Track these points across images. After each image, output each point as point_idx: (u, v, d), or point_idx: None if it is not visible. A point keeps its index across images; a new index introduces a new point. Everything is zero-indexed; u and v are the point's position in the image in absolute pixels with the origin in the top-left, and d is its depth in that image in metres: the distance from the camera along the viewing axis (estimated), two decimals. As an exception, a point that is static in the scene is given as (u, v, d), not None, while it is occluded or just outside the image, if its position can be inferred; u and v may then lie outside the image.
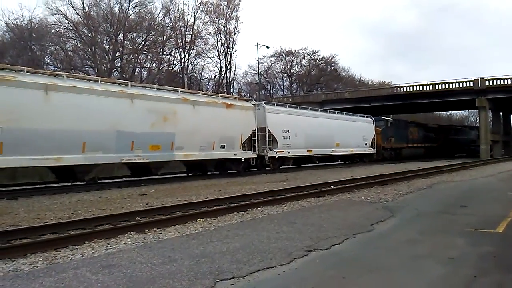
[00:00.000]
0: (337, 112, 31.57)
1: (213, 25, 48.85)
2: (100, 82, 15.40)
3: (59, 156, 13.43)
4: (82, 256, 5.61)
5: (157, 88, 17.71)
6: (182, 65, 46.09)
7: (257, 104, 22.34)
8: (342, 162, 31.02)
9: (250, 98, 23.99)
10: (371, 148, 32.70)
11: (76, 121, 13.89)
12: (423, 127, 48.47)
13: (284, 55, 63.29)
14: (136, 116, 15.70)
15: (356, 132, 30.82)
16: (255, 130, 21.35)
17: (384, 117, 39.27)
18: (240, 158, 20.44)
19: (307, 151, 25.21)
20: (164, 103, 16.89)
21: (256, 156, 21.52)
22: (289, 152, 23.62)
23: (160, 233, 7.01)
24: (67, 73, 16.60)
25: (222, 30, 49.40)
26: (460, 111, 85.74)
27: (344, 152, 29.49)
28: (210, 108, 18.89)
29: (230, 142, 19.84)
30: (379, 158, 34.27)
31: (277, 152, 22.64)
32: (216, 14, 48.76)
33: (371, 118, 33.75)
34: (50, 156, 13.22)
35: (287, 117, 24.22)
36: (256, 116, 21.46)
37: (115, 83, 16.80)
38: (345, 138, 29.09)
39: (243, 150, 20.67)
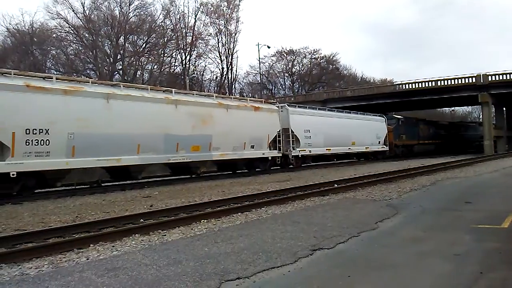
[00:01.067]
0: (352, 112, 32.52)
1: (213, 26, 49.01)
2: (150, 90, 17.28)
3: (119, 157, 15.05)
4: (88, 259, 5.62)
5: (195, 94, 19.75)
6: (184, 66, 46.21)
7: (280, 106, 23.83)
8: (355, 159, 32.23)
9: (274, 101, 25.89)
10: (384, 146, 33.97)
11: (132, 126, 15.45)
12: (434, 124, 49.77)
13: (285, 54, 63.33)
14: (179, 120, 17.31)
15: (370, 131, 32.12)
16: (279, 130, 22.83)
17: (396, 116, 40.56)
18: (268, 157, 22.06)
19: (326, 149, 26.63)
20: (202, 108, 18.47)
21: (281, 155, 23.02)
22: (310, 151, 25.04)
23: (165, 235, 7.01)
24: (123, 83, 18.52)
25: (223, 30, 49.54)
26: (463, 107, 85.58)
27: (359, 150, 30.63)
28: (240, 111, 20.53)
29: (259, 142, 21.36)
30: (392, 155, 35.39)
31: (299, 151, 24.08)
32: (216, 15, 48.87)
33: (383, 117, 34.94)
34: (112, 157, 14.86)
35: (308, 117, 25.70)
36: (280, 118, 22.98)
37: (160, 90, 18.45)
38: (360, 136, 30.39)
39: (270, 150, 22.22)
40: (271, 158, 22.36)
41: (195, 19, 47.08)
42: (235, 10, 50.04)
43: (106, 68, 40.05)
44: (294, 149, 23.69)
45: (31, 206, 11.56)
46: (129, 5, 41.81)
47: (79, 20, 39.87)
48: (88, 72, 39.97)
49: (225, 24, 49.44)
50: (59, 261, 5.58)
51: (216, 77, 51.37)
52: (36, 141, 12.86)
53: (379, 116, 34.76)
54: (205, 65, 51.52)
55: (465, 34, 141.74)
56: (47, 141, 13.10)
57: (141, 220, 8.36)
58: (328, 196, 11.33)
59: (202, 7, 47.38)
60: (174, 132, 17.01)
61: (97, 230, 7.54)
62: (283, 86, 65.61)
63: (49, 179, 13.88)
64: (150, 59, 43.56)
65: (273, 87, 65.23)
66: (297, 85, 65.52)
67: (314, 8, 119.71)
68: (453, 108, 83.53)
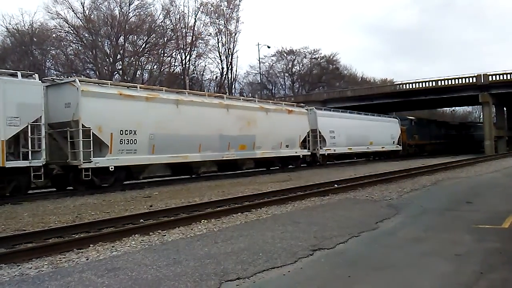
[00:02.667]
0: (370, 114, 34.61)
1: (213, 26, 48.97)
2: (208, 96, 20.34)
3: (186, 154, 17.49)
4: (87, 259, 5.61)
5: (242, 99, 22.85)
6: (183, 66, 46.19)
7: (309, 109, 26.37)
8: (371, 158, 34.23)
9: (303, 104, 28.33)
10: (398, 145, 36.38)
11: (195, 128, 17.74)
12: (444, 124, 52.80)
13: (285, 54, 63.35)
14: (230, 122, 19.67)
15: (385, 131, 34.80)
16: (308, 131, 25.29)
17: (409, 117, 43.13)
18: (299, 155, 24.56)
19: (348, 149, 29.15)
20: (247, 111, 20.98)
21: (310, 153, 25.41)
22: (334, 150, 27.55)
23: (165, 235, 7.00)
24: (187, 90, 21.51)
25: (223, 30, 49.51)
26: (463, 107, 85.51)
27: (376, 149, 33.08)
28: (277, 114, 23.00)
29: (292, 142, 23.79)
30: (405, 154, 37.55)
31: (325, 150, 26.63)
32: (216, 15, 48.87)
33: (397, 118, 37.99)
34: (181, 155, 17.26)
35: (332, 119, 28.25)
36: (309, 120, 25.46)
37: (212, 95, 21.48)
38: (377, 137, 32.96)
39: (301, 149, 24.64)
40: (302, 156, 24.82)
41: (195, 19, 47.11)
42: (235, 10, 50.10)
43: (106, 68, 40.04)
44: (321, 148, 26.07)
45: (31, 206, 11.55)
46: (129, 5, 41.83)
47: (79, 20, 39.90)
48: (88, 72, 39.97)
49: (225, 24, 49.48)
50: (59, 261, 5.57)
51: (216, 77, 51.41)
52: (127, 140, 15.30)
53: (393, 117, 38.07)
54: (205, 65, 51.58)
55: (466, 34, 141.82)
56: (135, 140, 15.53)
57: (141, 220, 8.35)
58: (328, 196, 11.32)
59: (202, 7, 47.41)
60: (226, 133, 19.33)
61: (97, 230, 7.53)
62: (283, 86, 65.69)
63: (134, 172, 16.30)
64: (150, 59, 43.59)
65: (273, 87, 65.28)
66: (297, 85, 65.53)
67: (314, 8, 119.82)
68: (453, 108, 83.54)
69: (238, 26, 50.81)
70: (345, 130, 28.68)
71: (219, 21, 49.10)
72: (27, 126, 12.69)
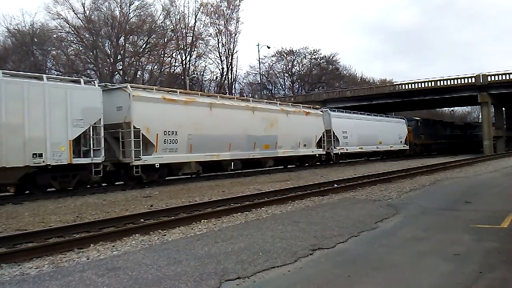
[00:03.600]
0: (379, 115, 36.22)
1: (213, 27, 48.98)
2: (236, 99, 22.40)
3: (218, 153, 19.06)
4: (88, 259, 5.63)
5: (265, 102, 24.62)
6: (184, 66, 46.19)
7: (324, 111, 27.98)
8: (380, 157, 35.59)
9: (318, 107, 29.86)
10: (405, 145, 37.86)
11: (226, 128, 19.29)
12: (450, 125, 54.67)
13: (285, 54, 63.33)
14: (255, 124, 21.34)
15: (393, 131, 36.36)
16: (323, 132, 26.86)
17: (415, 118, 44.79)
18: (315, 154, 26.32)
19: (359, 148, 30.70)
20: (270, 113, 22.63)
21: (324, 152, 26.95)
22: (347, 149, 29.11)
23: (165, 235, 7.02)
24: (219, 94, 23.87)
25: (223, 31, 49.52)
26: (462, 107, 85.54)
27: (385, 148, 34.60)
28: (296, 116, 24.70)
29: (309, 142, 25.51)
30: (412, 153, 39.10)
31: (339, 149, 28.17)
32: (216, 15, 48.89)
33: (404, 119, 39.48)
34: (214, 153, 18.81)
35: (345, 120, 29.81)
36: (324, 121, 27.06)
37: (241, 99, 23.58)
38: (386, 136, 34.53)
39: (316, 148, 26.30)
40: (318, 155, 26.55)
41: (195, 19, 47.12)
42: (235, 10, 50.11)
43: (106, 68, 40.06)
44: (335, 148, 27.71)
45: (32, 206, 11.57)
46: (129, 5, 41.86)
47: (80, 20, 39.92)
48: (89, 72, 39.97)
49: (225, 25, 49.48)
50: (60, 261, 5.59)
51: (216, 77, 51.44)
52: (169, 140, 16.81)
53: (400, 118, 39.75)
54: (205, 65, 51.56)
55: (465, 35, 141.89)
56: (176, 140, 17.02)
57: (142, 220, 8.37)
58: (328, 196, 11.34)
59: (202, 7, 47.41)
60: (252, 133, 20.99)
61: (98, 230, 7.55)
62: (283, 86, 65.67)
63: (174, 169, 17.70)
64: (150, 59, 43.58)
65: (273, 87, 65.27)
66: (297, 85, 65.52)
67: (314, 8, 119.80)
68: (452, 108, 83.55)
69: (238, 27, 50.89)
70: (357, 130, 30.19)
71: (219, 21, 49.18)
72: (89, 127, 14.26)
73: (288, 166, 25.26)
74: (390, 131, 35.63)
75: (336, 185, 13.56)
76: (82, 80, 15.07)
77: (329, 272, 4.85)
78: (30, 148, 12.80)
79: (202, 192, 13.61)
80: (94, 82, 15.53)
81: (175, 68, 46.87)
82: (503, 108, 51.63)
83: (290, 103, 27.75)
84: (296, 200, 10.64)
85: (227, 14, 49.43)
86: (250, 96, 52.15)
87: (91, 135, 14.29)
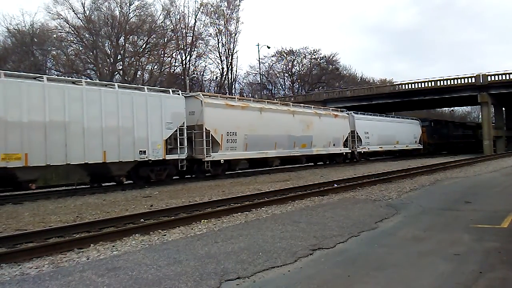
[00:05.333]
0: (396, 116, 40.21)
1: (213, 26, 48.88)
2: (280, 104, 25.62)
3: (266, 151, 22.06)
4: (88, 259, 5.63)
5: (302, 106, 27.17)
6: (184, 66, 46.11)
7: (349, 113, 30.93)
8: (397, 155, 37.83)
9: (344, 109, 32.43)
10: (419, 144, 40.95)
11: (272, 130, 22.31)
12: (462, 125, 57.23)
13: (285, 54, 63.18)
14: (295, 125, 24.37)
15: (408, 132, 39.30)
16: (349, 132, 29.77)
17: (429, 119, 48.81)
18: (342, 153, 29.27)
19: (379, 147, 33.57)
20: (306, 116, 25.72)
21: (350, 151, 29.79)
22: (368, 148, 31.95)
23: (165, 235, 7.03)
24: (267, 99, 27.26)
25: (223, 31, 49.42)
26: (462, 107, 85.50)
27: (402, 147, 37.32)
28: (327, 118, 27.78)
29: (337, 141, 28.46)
30: (425, 152, 41.80)
31: (362, 148, 30.99)
32: (216, 15, 48.76)
33: (419, 120, 42.46)
34: (263, 151, 21.83)
35: (367, 122, 32.57)
36: (349, 122, 30.04)
37: (283, 103, 26.54)
38: (402, 136, 37.43)
39: (343, 147, 29.21)
40: (345, 153, 29.38)
41: (195, 19, 47.00)
42: (235, 10, 49.96)
43: (106, 68, 39.98)
44: (358, 147, 30.50)
45: (32, 206, 11.58)
46: (129, 5, 41.70)
47: (80, 20, 39.80)
48: (89, 72, 39.91)
49: (225, 25, 49.37)
50: (60, 261, 5.59)
51: (216, 77, 51.31)
52: (231, 140, 19.83)
53: (415, 119, 42.66)
54: (205, 65, 51.46)
55: (465, 35, 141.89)
56: (235, 139, 20.07)
57: (142, 220, 8.38)
58: (328, 196, 11.34)
59: (202, 7, 47.31)
60: (293, 134, 23.95)
61: (98, 230, 7.56)
62: (283, 86, 65.51)
63: (232, 164, 20.64)
64: (150, 59, 43.47)
65: (273, 87, 65.12)
66: (297, 85, 65.44)
67: (314, 8, 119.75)
68: (452, 108, 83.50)
69: (238, 27, 50.68)
70: (377, 131, 33.01)
71: (219, 21, 49.03)
72: (177, 129, 17.22)
73: (318, 163, 27.75)
74: (406, 131, 38.55)
75: (336, 185, 13.56)
76: (170, 90, 17.92)
77: (329, 272, 4.85)
78: (137, 146, 15.82)
79: (202, 192, 13.62)
80: (179, 91, 18.46)
81: (175, 68, 46.79)
82: (503, 108, 51.60)
83: (322, 107, 30.59)
84: (296, 200, 10.64)
85: (227, 14, 49.35)
86: (250, 96, 52.15)
87: (178, 135, 17.23)
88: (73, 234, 7.29)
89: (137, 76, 41.96)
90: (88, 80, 17.62)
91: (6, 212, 10.62)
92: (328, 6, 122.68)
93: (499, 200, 10.02)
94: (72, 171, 16.81)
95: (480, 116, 59.10)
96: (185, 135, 17.48)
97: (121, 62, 41.23)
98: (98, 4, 40.36)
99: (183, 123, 17.49)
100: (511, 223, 7.16)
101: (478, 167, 21.38)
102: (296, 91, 62.82)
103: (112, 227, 7.86)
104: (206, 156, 18.28)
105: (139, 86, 19.35)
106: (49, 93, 13.45)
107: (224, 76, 50.69)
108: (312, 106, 28.80)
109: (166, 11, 44.71)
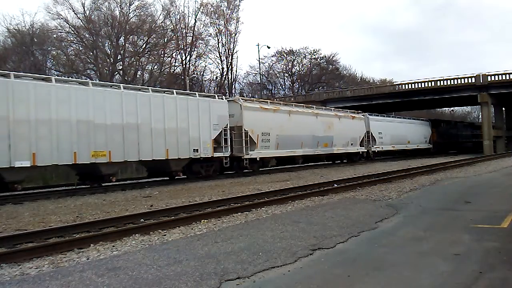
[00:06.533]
0: (407, 118, 42.21)
1: (213, 27, 48.88)
2: (305, 106, 27.26)
3: (294, 150, 24.10)
4: (88, 259, 5.63)
5: (324, 108, 29.59)
6: (184, 66, 46.09)
7: (364, 115, 32.80)
8: (408, 154, 39.65)
9: (360, 111, 33.91)
10: (429, 144, 43.62)
11: (299, 130, 24.46)
12: (471, 125, 58.74)
13: (285, 54, 63.17)
14: (318, 126, 26.61)
15: (419, 132, 41.84)
16: (365, 132, 31.90)
17: (439, 119, 51.45)
18: (359, 152, 31.38)
19: (392, 146, 35.85)
20: (327, 118, 28.00)
21: (366, 150, 31.94)
22: (382, 148, 34.28)
23: (165, 235, 7.03)
24: (294, 103, 29.92)
25: (223, 31, 49.42)
26: (462, 107, 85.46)
27: (413, 147, 39.67)
28: (345, 120, 30.02)
29: (355, 141, 30.76)
30: (435, 151, 43.65)
31: (375, 147, 33.23)
32: (216, 15, 48.75)
33: (429, 121, 45.27)
34: (290, 150, 23.98)
35: (380, 123, 34.75)
36: (365, 123, 32.18)
37: (307, 106, 27.71)
38: (413, 136, 39.90)
39: (360, 147, 31.35)
40: (361, 152, 31.46)
41: (195, 19, 47.00)
42: (235, 10, 49.96)
43: (106, 68, 39.97)
44: (373, 146, 32.74)
45: (32, 206, 11.58)
46: (129, 5, 41.70)
47: (80, 20, 39.79)
48: (89, 72, 39.90)
49: (225, 25, 49.36)
50: (60, 261, 5.59)
51: (216, 77, 51.31)
52: (265, 139, 22.22)
53: (426, 120, 45.55)
54: (205, 65, 51.45)
55: (465, 35, 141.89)
56: (268, 139, 22.42)
57: (142, 220, 8.39)
58: (328, 196, 11.34)
59: (202, 7, 47.31)
60: (316, 134, 26.18)
61: (98, 230, 7.56)
62: (283, 86, 65.48)
63: (265, 162, 23.16)
64: (150, 59, 43.46)
65: (273, 87, 65.11)
66: (297, 85, 65.42)
67: (314, 8, 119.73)
68: (452, 108, 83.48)
69: (238, 27, 50.70)
70: (390, 131, 35.31)
71: (219, 21, 49.03)
72: (222, 130, 19.49)
73: (336, 162, 30.04)
74: (417, 132, 40.99)
75: (336, 185, 13.56)
76: (216, 95, 20.57)
77: (329, 272, 4.85)
78: (192, 145, 18.07)
79: (202, 192, 13.62)
80: (223, 96, 21.15)
81: (175, 68, 46.78)
82: (503, 108, 51.57)
83: (341, 110, 32.05)
84: (296, 200, 10.64)
85: (227, 14, 49.34)
86: (250, 96, 52.14)
87: (222, 135, 19.44)
88: (73, 234, 7.29)
89: (137, 76, 41.96)
90: (153, 87, 20.19)
91: (6, 212, 10.62)
92: (328, 6, 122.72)
93: (499, 200, 10.01)
94: (140, 167, 19.52)
95: (480, 116, 59.28)
96: (229, 135, 19.75)
97: (121, 62, 41.21)
98: (98, 4, 40.38)
99: (227, 124, 19.77)
100: (511, 223, 7.16)
101: (478, 167, 21.38)
102: (296, 91, 62.79)
103: (112, 227, 7.86)
104: (245, 154, 20.57)
105: (191, 92, 22.63)
106: (125, 99, 15.86)
107: (224, 76, 50.70)
108: (333, 108, 31.23)
109: (166, 11, 44.74)
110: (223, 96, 21.05)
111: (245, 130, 20.59)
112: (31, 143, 13.13)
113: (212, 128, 18.97)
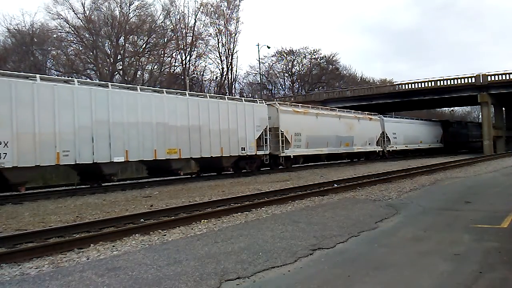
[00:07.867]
0: (419, 119, 44.50)
1: (213, 26, 48.87)
2: (329, 109, 30.31)
3: (321, 148, 26.89)
4: (88, 259, 5.63)
5: (345, 111, 32.00)
6: (184, 66, 46.08)
7: (380, 116, 35.19)
8: (421, 153, 42.23)
9: (376, 113, 35.90)
10: (440, 143, 46.49)
11: (325, 131, 27.11)
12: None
13: (285, 54, 63.16)
14: (341, 127, 29.11)
15: (431, 132, 44.67)
16: (381, 133, 34.34)
17: (449, 120, 53.60)
18: (376, 150, 33.85)
19: (405, 146, 38.28)
20: (348, 119, 30.47)
21: (381, 149, 34.46)
22: (396, 147, 36.72)
23: (165, 235, 7.03)
24: (320, 106, 30.87)
25: (223, 31, 49.41)
26: (462, 107, 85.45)
27: (425, 146, 42.57)
28: (364, 121, 32.43)
29: (372, 141, 33.21)
30: (446, 151, 45.56)
31: (390, 147, 35.60)
32: (216, 15, 48.74)
33: (440, 122, 48.39)
34: (318, 149, 26.55)
35: (394, 124, 37.35)
36: (380, 124, 34.56)
37: (330, 109, 30.81)
38: (425, 136, 42.75)
39: (376, 146, 33.75)
40: (378, 151, 33.94)
41: (195, 19, 46.98)
42: (235, 10, 49.95)
43: (106, 68, 39.97)
44: (387, 146, 35.07)
45: (32, 206, 11.58)
46: (129, 5, 41.70)
47: (80, 20, 39.79)
48: (89, 72, 39.90)
49: (225, 25, 49.35)
50: (60, 261, 5.59)
51: (216, 77, 51.28)
52: (297, 139, 24.65)
53: (437, 121, 48.89)
54: (205, 65, 51.46)
55: (465, 35, 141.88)
56: (300, 139, 24.89)
57: (142, 220, 8.38)
58: (328, 196, 11.34)
59: (202, 7, 47.31)
60: (339, 134, 28.62)
61: (98, 230, 7.56)
62: (283, 86, 65.46)
63: (296, 159, 25.29)
64: (150, 59, 43.45)
65: (273, 87, 65.10)
66: (297, 85, 65.41)
67: (314, 8, 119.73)
68: (452, 108, 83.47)
69: (238, 27, 50.68)
70: (403, 132, 37.75)
71: (219, 21, 49.03)
72: (262, 131, 22.11)
73: (354, 160, 32.36)
74: (428, 132, 43.69)
75: (336, 185, 13.56)
76: (257, 100, 23.93)
77: (329, 272, 4.84)
78: (240, 144, 20.60)
79: (202, 192, 13.61)
80: (263, 101, 24.27)
81: (175, 68, 46.78)
82: (503, 108, 51.59)
83: (359, 111, 33.84)
84: (296, 200, 10.64)
85: (227, 14, 49.33)
86: (250, 96, 52.14)
87: (263, 136, 22.03)
88: (73, 234, 7.28)
89: (137, 76, 41.95)
90: (211, 94, 23.03)
91: (6, 212, 10.62)
92: (328, 6, 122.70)
93: (499, 200, 10.01)
94: (197, 163, 21.14)
95: (480, 116, 59.28)
96: (269, 135, 22.25)
97: (121, 62, 41.21)
98: (98, 4, 40.37)
99: (267, 126, 22.35)
100: (511, 223, 7.15)
101: (478, 167, 21.38)
102: (296, 91, 62.78)
103: (112, 227, 7.85)
104: (282, 152, 23.03)
105: (239, 97, 25.63)
106: (190, 104, 18.50)
107: (224, 76, 50.68)
108: (353, 110, 33.31)
109: (166, 11, 44.73)
110: (263, 101, 24.08)
111: (281, 131, 23.04)
112: (124, 142, 15.72)
113: (255, 129, 21.59)
